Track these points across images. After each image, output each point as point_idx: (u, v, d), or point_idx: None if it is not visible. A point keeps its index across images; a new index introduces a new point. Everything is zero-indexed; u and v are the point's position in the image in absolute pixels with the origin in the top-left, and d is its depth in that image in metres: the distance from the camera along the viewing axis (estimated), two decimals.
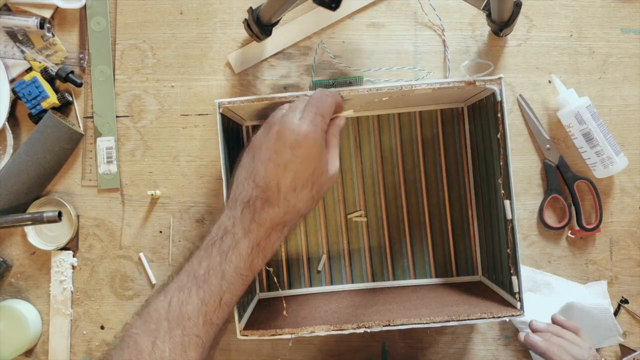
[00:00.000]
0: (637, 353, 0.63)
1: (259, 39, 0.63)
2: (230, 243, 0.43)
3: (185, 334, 0.41)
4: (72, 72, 0.64)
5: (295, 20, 0.65)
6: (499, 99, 0.51)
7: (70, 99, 0.65)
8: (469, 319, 0.50)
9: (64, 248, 0.64)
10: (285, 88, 0.65)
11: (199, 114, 0.65)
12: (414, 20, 0.65)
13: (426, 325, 0.50)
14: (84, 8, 0.65)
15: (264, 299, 0.63)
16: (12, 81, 0.65)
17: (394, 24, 0.65)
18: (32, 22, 0.63)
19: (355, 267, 0.64)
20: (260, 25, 0.59)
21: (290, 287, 0.63)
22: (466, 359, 0.64)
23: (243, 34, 0.64)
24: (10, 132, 0.64)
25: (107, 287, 0.65)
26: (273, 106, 0.50)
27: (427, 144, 0.64)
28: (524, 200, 0.64)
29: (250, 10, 0.58)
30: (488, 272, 0.61)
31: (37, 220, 0.61)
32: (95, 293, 0.65)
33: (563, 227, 0.63)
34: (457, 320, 0.50)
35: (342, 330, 0.50)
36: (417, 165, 0.64)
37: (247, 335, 0.51)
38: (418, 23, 0.65)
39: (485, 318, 0.50)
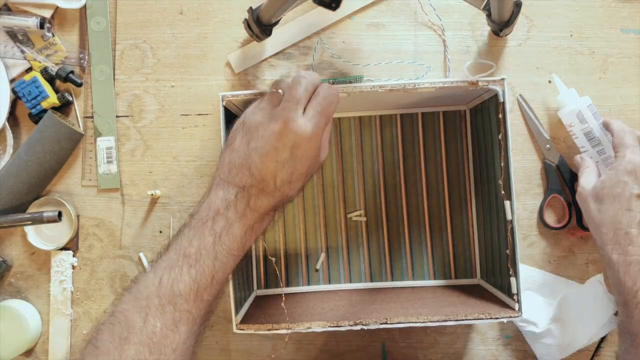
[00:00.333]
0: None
1: (259, 39, 0.63)
2: (223, 225, 0.43)
3: (176, 310, 0.41)
4: (72, 72, 0.64)
5: (295, 20, 0.65)
6: (501, 100, 0.51)
7: (70, 98, 0.65)
8: (466, 319, 0.50)
9: (64, 248, 0.64)
10: None
11: (199, 114, 0.65)
12: (414, 20, 0.65)
13: (423, 324, 0.50)
14: (84, 8, 0.65)
15: (261, 295, 0.63)
16: (12, 81, 0.65)
17: (394, 24, 0.65)
18: (32, 22, 0.63)
19: (353, 266, 0.64)
20: (260, 25, 0.59)
21: (288, 284, 0.63)
22: (466, 359, 0.64)
23: (243, 34, 0.64)
24: (10, 132, 0.64)
25: (107, 287, 0.65)
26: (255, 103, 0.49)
27: (428, 146, 0.64)
28: (524, 200, 0.64)
29: (250, 10, 0.58)
30: (487, 275, 0.61)
31: (37, 220, 0.61)
32: (95, 293, 0.65)
33: (563, 227, 0.63)
34: (455, 320, 0.50)
35: (339, 326, 0.50)
36: (418, 166, 0.64)
37: (243, 330, 0.51)
38: (418, 23, 0.65)
39: (483, 319, 0.50)
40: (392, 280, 0.63)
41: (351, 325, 0.50)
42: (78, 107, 0.66)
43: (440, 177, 0.64)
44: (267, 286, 0.64)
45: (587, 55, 0.65)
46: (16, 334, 0.62)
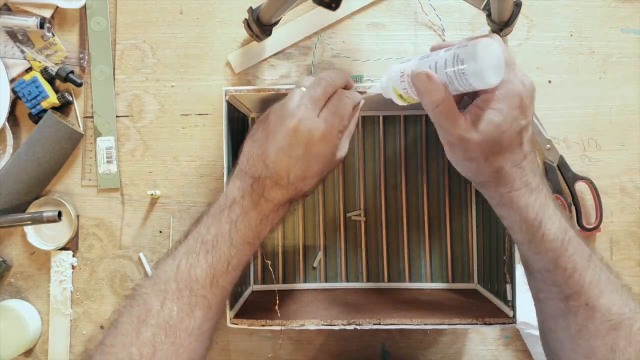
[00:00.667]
0: None
1: (259, 38, 0.63)
2: (239, 213, 0.44)
3: (192, 295, 0.43)
4: (72, 72, 0.64)
5: (295, 20, 0.65)
6: None
7: (70, 98, 0.65)
8: (460, 324, 0.50)
9: (64, 248, 0.64)
10: None
11: (198, 114, 0.65)
12: (414, 20, 0.65)
13: (416, 327, 0.50)
14: (84, 8, 0.65)
15: (257, 291, 0.63)
16: (12, 81, 0.65)
17: (394, 24, 0.65)
18: (32, 22, 0.63)
19: (351, 266, 0.64)
20: (260, 25, 0.59)
21: (284, 281, 0.63)
22: (466, 359, 0.64)
23: (243, 34, 0.64)
24: (10, 131, 0.64)
25: (107, 287, 0.65)
26: (279, 97, 0.49)
27: (431, 148, 0.64)
28: None
29: (250, 10, 0.58)
30: (483, 281, 0.61)
31: (37, 220, 0.61)
32: (95, 293, 0.65)
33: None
34: (449, 324, 0.50)
35: (332, 325, 0.51)
36: (420, 168, 0.63)
37: (237, 324, 0.51)
38: (418, 23, 0.65)
39: (477, 324, 0.50)
40: (389, 281, 0.63)
41: (345, 325, 0.50)
42: (78, 107, 0.66)
43: (442, 180, 0.63)
44: (264, 281, 0.64)
45: (587, 55, 0.65)
46: (16, 334, 0.62)
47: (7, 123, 0.64)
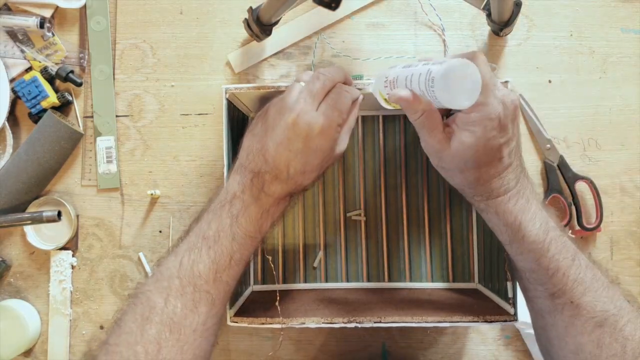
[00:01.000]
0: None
1: (259, 38, 0.63)
2: (239, 207, 0.44)
3: (196, 291, 0.43)
4: (72, 71, 0.64)
5: (295, 20, 0.65)
6: None
7: (70, 98, 0.65)
8: (461, 321, 0.50)
9: (64, 248, 0.64)
10: None
11: (198, 114, 0.65)
12: (414, 20, 0.65)
13: (417, 325, 0.50)
14: (84, 8, 0.65)
15: (257, 291, 0.63)
16: (12, 80, 0.65)
17: (394, 24, 0.65)
18: (32, 22, 0.63)
19: (351, 266, 0.64)
20: (260, 25, 0.59)
21: (285, 281, 0.63)
22: (466, 359, 0.64)
23: (243, 33, 0.64)
24: (10, 131, 0.64)
25: (107, 287, 0.65)
26: (279, 95, 0.49)
27: None
28: None
29: (250, 10, 0.58)
30: (484, 280, 0.61)
31: (37, 220, 0.61)
32: (94, 293, 0.65)
33: (563, 227, 0.63)
34: (450, 322, 0.50)
35: (333, 323, 0.50)
36: (420, 168, 0.63)
37: (236, 322, 0.51)
38: (418, 23, 0.65)
39: (478, 321, 0.50)
40: (390, 281, 0.63)
41: (345, 323, 0.50)
42: (78, 106, 0.66)
43: (442, 179, 0.63)
44: (264, 282, 0.64)
45: (587, 55, 0.65)
46: (15, 334, 0.62)
47: (7, 123, 0.64)
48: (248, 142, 0.47)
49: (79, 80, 0.64)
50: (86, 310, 0.65)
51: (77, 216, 0.65)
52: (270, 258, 0.63)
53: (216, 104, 0.65)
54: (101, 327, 0.65)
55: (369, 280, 0.63)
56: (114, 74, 0.65)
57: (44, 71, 0.64)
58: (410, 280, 0.63)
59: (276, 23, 0.61)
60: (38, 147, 0.62)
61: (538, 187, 0.64)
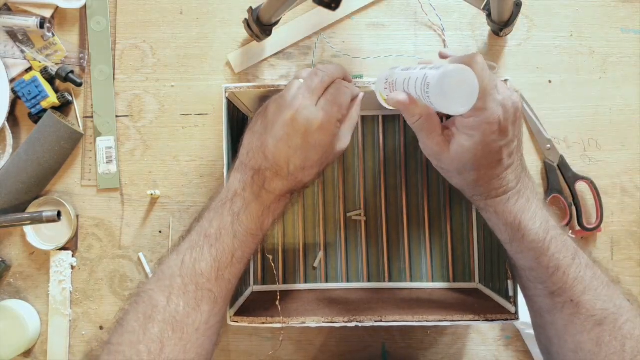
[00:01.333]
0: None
1: (259, 38, 0.63)
2: (241, 205, 0.44)
3: (198, 289, 0.42)
4: (72, 71, 0.64)
5: (295, 20, 0.65)
6: None
7: (70, 98, 0.65)
8: (462, 320, 0.50)
9: (63, 248, 0.64)
10: None
11: (198, 114, 0.65)
12: (414, 20, 0.65)
13: (418, 324, 0.50)
14: (84, 8, 0.65)
15: (257, 291, 0.63)
16: (12, 81, 0.65)
17: (394, 24, 0.65)
18: (32, 22, 0.63)
19: (351, 266, 0.63)
20: (260, 25, 0.59)
21: (285, 282, 0.63)
22: None
23: (243, 33, 0.64)
24: (9, 131, 0.64)
25: (107, 287, 0.65)
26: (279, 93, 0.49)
27: None
28: None
29: (250, 10, 0.58)
30: (485, 280, 0.61)
31: (37, 220, 0.61)
32: (94, 293, 0.65)
33: (564, 226, 0.63)
34: (451, 321, 0.50)
35: (334, 322, 0.50)
36: (420, 168, 0.63)
37: (237, 322, 0.51)
38: (418, 23, 0.65)
39: (479, 320, 0.50)
40: (390, 281, 0.63)
41: (346, 322, 0.50)
42: (78, 107, 0.66)
43: (442, 179, 0.63)
44: (264, 282, 0.64)
45: (587, 55, 0.65)
46: (15, 334, 0.61)
47: (7, 123, 0.64)
48: (248, 140, 0.47)
49: (79, 81, 0.64)
50: (86, 310, 0.65)
51: (77, 216, 0.65)
52: (271, 257, 0.63)
53: (216, 104, 0.65)
54: (101, 328, 0.64)
55: (369, 280, 0.63)
56: (114, 74, 0.65)
57: (44, 71, 0.64)
58: (411, 280, 0.63)
59: (276, 23, 0.61)
60: (38, 147, 0.62)
61: (538, 187, 0.64)
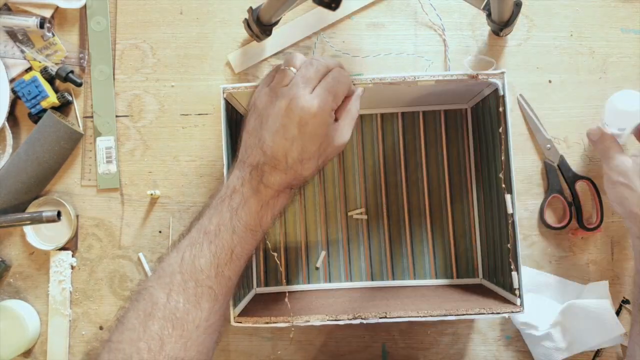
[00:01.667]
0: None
1: (259, 38, 0.63)
2: (239, 201, 0.44)
3: (198, 286, 0.42)
4: (72, 71, 0.64)
5: (295, 20, 0.65)
6: (501, 93, 0.51)
7: (70, 98, 0.65)
8: (467, 314, 0.50)
9: (63, 248, 0.64)
10: None
11: (198, 114, 0.65)
12: (414, 20, 0.65)
13: (423, 319, 0.50)
14: (84, 8, 0.65)
15: (260, 293, 0.63)
16: (12, 81, 0.65)
17: (394, 24, 0.65)
18: (32, 22, 0.63)
19: (354, 265, 0.63)
20: (260, 25, 0.59)
21: (288, 282, 0.63)
22: None
23: (243, 33, 0.64)
24: (9, 131, 0.64)
25: (106, 287, 0.65)
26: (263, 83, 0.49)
27: (429, 145, 0.64)
28: (525, 200, 0.64)
29: (250, 10, 0.59)
30: (489, 274, 0.61)
31: (36, 220, 0.61)
32: (94, 293, 0.65)
33: (564, 227, 0.63)
34: (456, 315, 0.50)
35: (338, 320, 0.50)
36: (420, 165, 0.63)
37: (240, 322, 0.51)
38: (418, 23, 0.65)
39: (484, 313, 0.50)
40: (393, 279, 0.63)
41: (350, 319, 0.50)
42: (78, 107, 0.66)
43: (442, 176, 0.63)
44: (266, 284, 0.64)
45: (587, 55, 0.65)
46: (15, 335, 0.61)
47: (6, 123, 0.64)
48: (244, 138, 0.47)
49: (79, 81, 0.64)
50: (86, 310, 0.64)
51: (77, 216, 0.65)
52: (275, 254, 0.63)
53: (216, 104, 0.65)
54: (100, 328, 0.64)
55: (372, 279, 0.63)
56: (114, 74, 0.65)
57: (44, 71, 0.64)
58: (414, 278, 0.63)
59: (276, 23, 0.61)
60: (38, 147, 0.62)
61: (538, 187, 0.64)
